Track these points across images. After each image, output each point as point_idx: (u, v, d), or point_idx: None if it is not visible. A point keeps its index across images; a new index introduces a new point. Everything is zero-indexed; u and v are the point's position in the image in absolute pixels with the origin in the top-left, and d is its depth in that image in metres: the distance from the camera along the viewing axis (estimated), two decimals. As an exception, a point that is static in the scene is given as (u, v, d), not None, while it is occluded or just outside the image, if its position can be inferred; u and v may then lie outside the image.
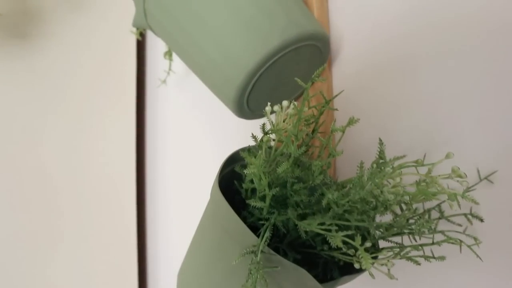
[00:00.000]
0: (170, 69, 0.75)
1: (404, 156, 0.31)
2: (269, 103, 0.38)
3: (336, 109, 0.36)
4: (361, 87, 0.56)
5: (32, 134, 0.77)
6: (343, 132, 0.33)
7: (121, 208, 0.86)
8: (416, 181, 0.36)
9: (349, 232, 0.32)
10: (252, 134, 0.42)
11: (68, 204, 0.80)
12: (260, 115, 0.56)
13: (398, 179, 0.35)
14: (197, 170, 0.80)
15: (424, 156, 0.43)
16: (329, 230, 0.34)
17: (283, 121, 0.39)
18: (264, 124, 0.39)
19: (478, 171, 0.47)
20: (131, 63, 0.86)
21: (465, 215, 0.44)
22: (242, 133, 0.72)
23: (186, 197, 0.83)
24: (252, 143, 0.43)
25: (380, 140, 0.32)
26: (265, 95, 0.52)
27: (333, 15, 0.60)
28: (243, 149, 0.48)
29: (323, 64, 0.55)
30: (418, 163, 0.36)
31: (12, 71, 0.75)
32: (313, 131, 0.39)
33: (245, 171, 0.37)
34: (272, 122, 0.40)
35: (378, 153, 0.32)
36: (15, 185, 0.75)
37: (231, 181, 0.49)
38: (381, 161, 0.35)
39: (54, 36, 0.79)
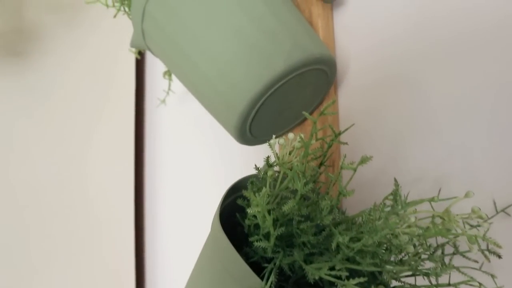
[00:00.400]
0: (169, 89, 0.73)
1: (422, 201, 0.29)
2: (274, 136, 0.35)
3: (346, 143, 0.33)
4: (368, 110, 0.54)
5: (28, 153, 0.75)
6: (355, 170, 0.31)
7: (118, 237, 0.83)
8: (432, 219, 0.33)
9: (361, 280, 0.30)
10: (256, 166, 0.39)
11: (63, 232, 0.78)
12: (263, 140, 0.53)
13: (412, 219, 0.33)
14: (197, 195, 0.77)
15: (439, 191, 0.41)
16: (340, 277, 0.32)
17: (289, 154, 0.37)
18: (268, 157, 0.37)
19: (495, 203, 0.44)
20: (130, 81, 0.84)
21: (482, 251, 0.41)
22: (244, 156, 0.69)
23: (186, 225, 0.80)
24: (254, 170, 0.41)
25: (396, 181, 0.29)
26: (269, 121, 0.49)
27: (339, 35, 0.58)
28: (244, 181, 0.45)
29: (329, 86, 0.53)
30: (434, 200, 0.33)
31: (8, 89, 0.73)
32: (321, 164, 0.37)
33: (248, 210, 0.35)
34: (276, 154, 0.37)
35: (392, 193, 0.30)
36: (7, 204, 0.73)
37: (234, 210, 0.46)
38: (396, 198, 0.32)
39: (52, 53, 0.77)
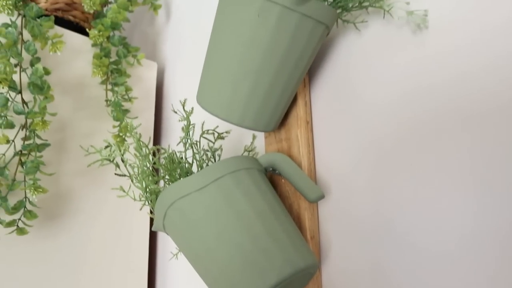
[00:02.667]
0: (181, 248, 0.85)
1: None
2: None
3: None
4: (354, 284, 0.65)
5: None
6: None
7: None
8: None
9: None
10: None
11: None
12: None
13: None
14: None
15: None
16: None
17: None
18: None
19: None
20: (145, 235, 0.97)
21: None
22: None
23: None
24: None
25: None
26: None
27: (323, 224, 0.71)
28: None
29: (313, 275, 0.64)
30: None
31: (47, 249, 0.85)
32: None
33: None
34: None
35: None
36: None
37: None
38: None
39: (81, 213, 0.90)
